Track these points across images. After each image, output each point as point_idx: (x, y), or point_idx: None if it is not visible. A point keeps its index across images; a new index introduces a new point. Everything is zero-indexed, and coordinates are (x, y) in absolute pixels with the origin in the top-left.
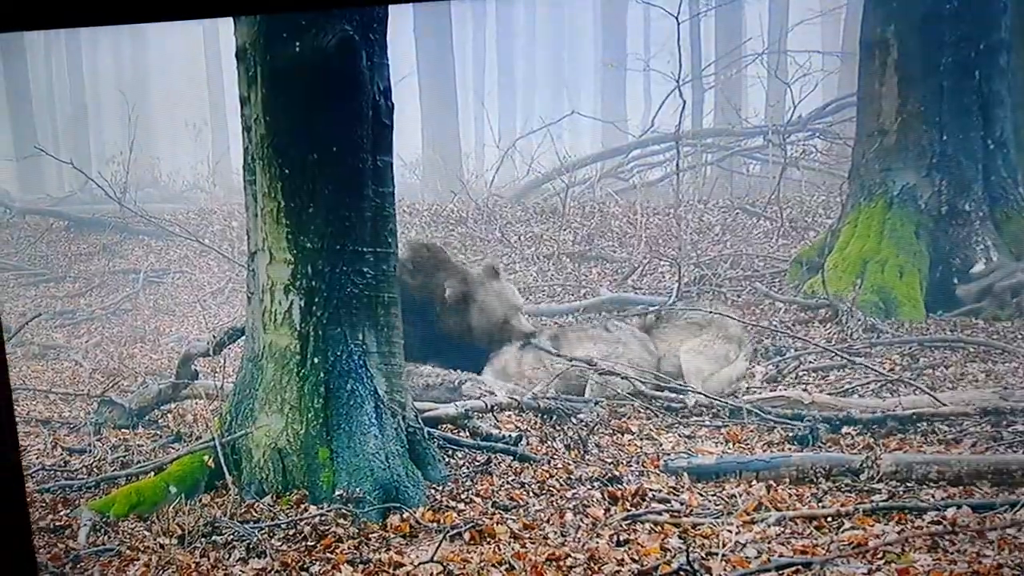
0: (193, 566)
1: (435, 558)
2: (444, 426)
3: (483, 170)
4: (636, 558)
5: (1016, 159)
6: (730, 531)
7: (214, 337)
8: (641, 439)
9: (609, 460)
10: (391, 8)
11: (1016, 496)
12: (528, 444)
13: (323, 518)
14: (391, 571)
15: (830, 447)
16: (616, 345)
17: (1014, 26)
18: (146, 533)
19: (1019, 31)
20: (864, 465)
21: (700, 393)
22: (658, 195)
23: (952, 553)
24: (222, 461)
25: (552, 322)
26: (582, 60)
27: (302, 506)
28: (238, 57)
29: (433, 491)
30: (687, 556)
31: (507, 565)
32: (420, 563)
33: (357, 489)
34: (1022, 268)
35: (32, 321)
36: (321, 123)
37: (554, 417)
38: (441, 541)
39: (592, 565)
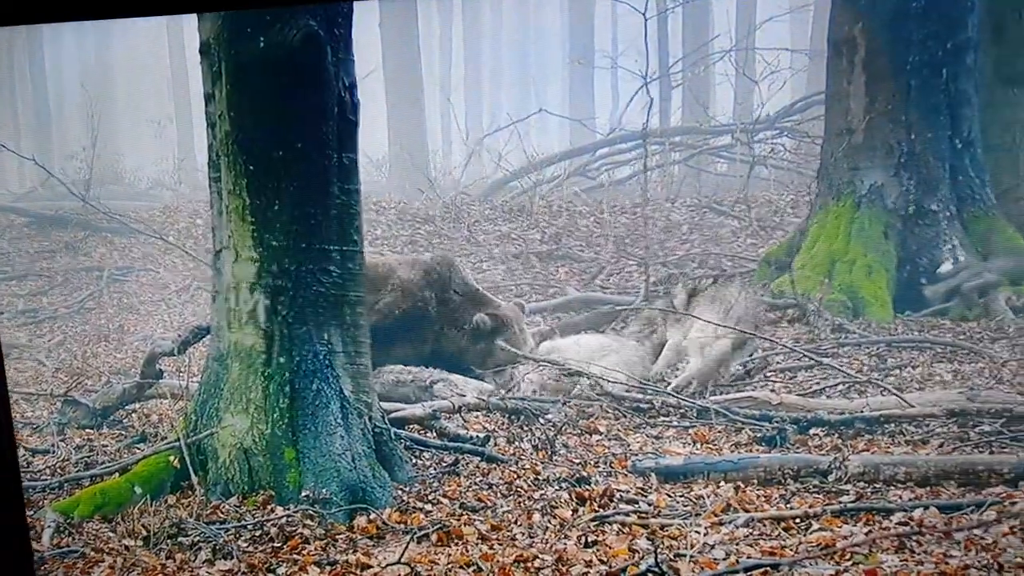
0: (159, 568)
1: (402, 559)
2: (411, 427)
3: (450, 167)
4: (604, 559)
5: (983, 159)
6: (698, 532)
7: (179, 336)
8: (609, 440)
9: (577, 461)
10: (356, 3)
11: (982, 497)
12: (496, 445)
13: (290, 519)
14: (358, 572)
15: (798, 448)
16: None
17: (981, 24)
18: (111, 534)
19: (986, 29)
20: (832, 466)
21: (668, 393)
22: (626, 194)
23: (919, 554)
24: (188, 461)
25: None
26: (549, 57)
27: (268, 507)
28: (202, 52)
29: (400, 492)
30: (655, 557)
31: (475, 566)
32: (387, 564)
33: (323, 490)
34: (989, 268)
35: None
36: (286, 119)
37: (522, 418)
38: (408, 542)
39: (560, 566)
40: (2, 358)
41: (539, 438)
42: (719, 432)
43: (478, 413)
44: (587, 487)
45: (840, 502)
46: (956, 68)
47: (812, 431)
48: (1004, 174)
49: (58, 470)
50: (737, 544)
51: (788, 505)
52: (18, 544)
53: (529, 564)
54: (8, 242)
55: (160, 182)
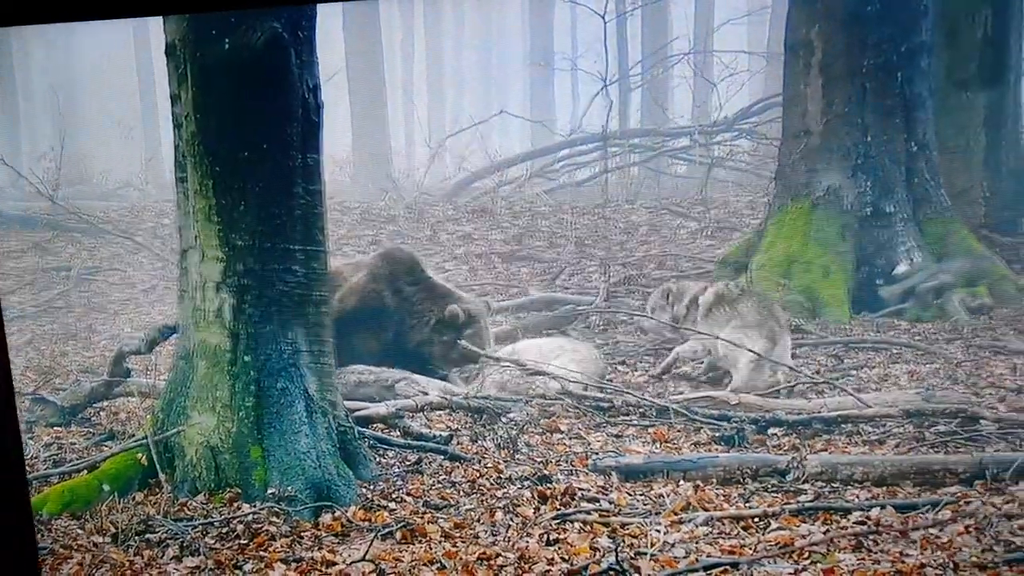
0: (127, 564)
1: (367, 557)
2: (375, 425)
3: (413, 168)
4: (566, 557)
5: (938, 161)
6: (659, 531)
7: (147, 335)
8: (570, 438)
9: (539, 459)
10: (320, 6)
11: (938, 496)
12: (459, 443)
13: (256, 516)
14: (324, 569)
15: (756, 448)
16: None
17: (934, 28)
18: (79, 532)
19: (939, 33)
20: (790, 466)
21: (628, 392)
22: (586, 195)
23: (876, 552)
24: (155, 459)
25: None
26: (510, 59)
27: (235, 504)
28: (168, 54)
29: (365, 490)
30: (616, 555)
31: (438, 564)
32: (352, 562)
33: (289, 488)
34: (944, 270)
35: None
36: (251, 121)
37: (485, 416)
38: (373, 540)
39: (522, 564)
40: (8, 360)
41: (502, 437)
42: (679, 431)
43: (441, 412)
44: (549, 486)
45: (798, 501)
46: (910, 71)
47: (770, 431)
48: (958, 177)
49: (27, 468)
50: (697, 543)
51: (747, 504)
52: (19, 544)
53: (492, 562)
54: None
55: (128, 183)
